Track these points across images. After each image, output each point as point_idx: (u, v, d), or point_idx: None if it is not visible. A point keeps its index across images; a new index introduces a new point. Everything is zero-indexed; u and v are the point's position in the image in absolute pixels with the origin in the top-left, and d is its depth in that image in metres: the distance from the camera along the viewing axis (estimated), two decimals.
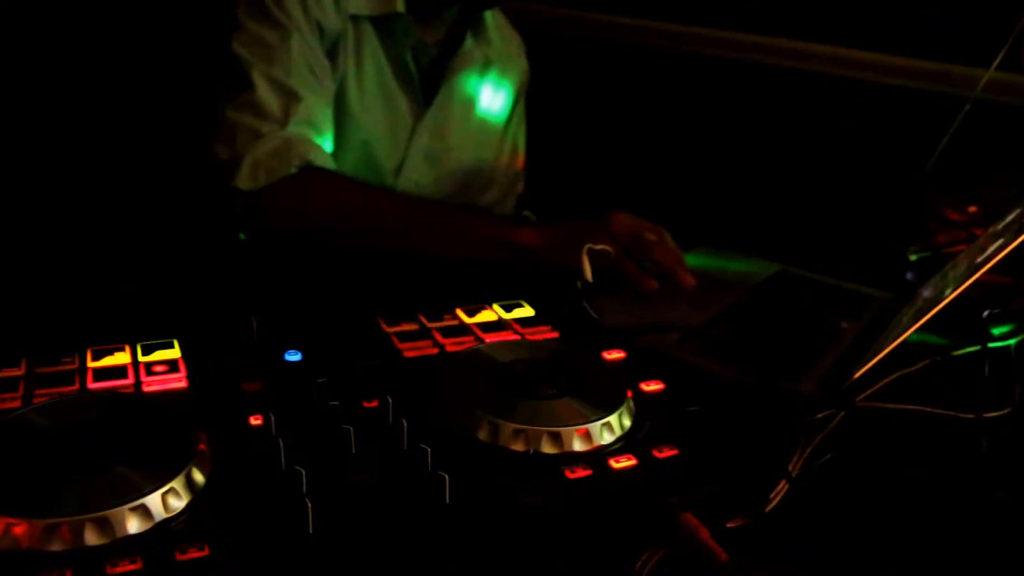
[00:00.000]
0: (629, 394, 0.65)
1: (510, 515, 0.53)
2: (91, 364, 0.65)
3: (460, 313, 0.80)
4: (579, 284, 0.85)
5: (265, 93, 1.00)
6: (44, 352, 0.65)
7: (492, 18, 1.28)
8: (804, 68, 1.56)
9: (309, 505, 0.50)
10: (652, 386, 0.69)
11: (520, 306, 0.83)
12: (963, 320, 0.83)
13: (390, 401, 0.62)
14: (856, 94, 1.47)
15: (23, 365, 0.64)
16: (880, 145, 1.40)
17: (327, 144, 1.08)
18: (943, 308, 0.80)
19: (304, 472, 0.53)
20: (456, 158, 1.29)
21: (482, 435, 0.60)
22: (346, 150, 1.16)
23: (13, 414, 0.57)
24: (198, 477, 0.53)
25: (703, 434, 0.63)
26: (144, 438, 0.55)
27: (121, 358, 0.66)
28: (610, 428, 0.61)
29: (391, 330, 0.75)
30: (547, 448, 0.59)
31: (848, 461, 0.66)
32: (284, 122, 1.00)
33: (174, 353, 0.68)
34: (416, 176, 1.24)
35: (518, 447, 0.59)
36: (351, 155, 1.17)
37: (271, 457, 0.55)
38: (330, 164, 1.04)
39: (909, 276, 1.03)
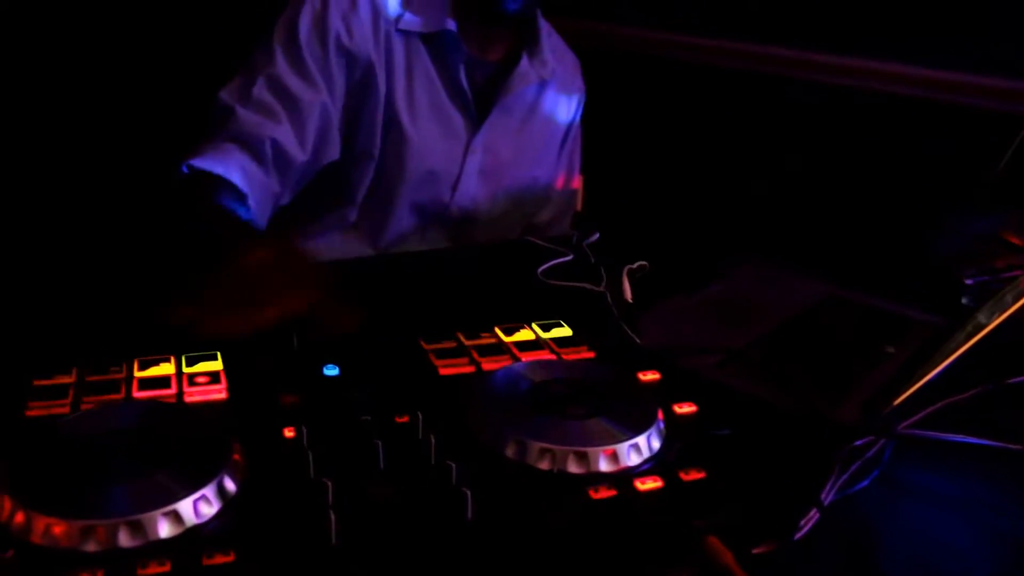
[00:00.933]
0: (660, 415, 0.65)
1: (533, 534, 0.54)
2: (137, 374, 0.68)
3: (498, 332, 0.81)
4: (612, 301, 0.86)
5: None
6: (95, 361, 0.68)
7: (547, 38, 1.30)
8: (860, 86, 1.53)
9: (333, 517, 0.51)
10: (685, 408, 0.69)
11: (559, 326, 0.83)
12: (1017, 347, 0.80)
13: (420, 417, 0.63)
14: (913, 112, 1.44)
15: (74, 373, 0.67)
16: (939, 165, 1.36)
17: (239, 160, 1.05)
18: (997, 335, 0.78)
19: (331, 484, 0.54)
20: (511, 175, 1.30)
21: (509, 453, 0.60)
22: (404, 167, 1.19)
23: (60, 420, 0.60)
24: (230, 485, 0.54)
25: (734, 458, 0.63)
26: (181, 446, 0.57)
27: (166, 368, 0.69)
28: (638, 449, 0.61)
29: (429, 347, 0.76)
30: (573, 468, 0.59)
31: (885, 490, 0.65)
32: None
33: (216, 365, 0.70)
34: (471, 192, 1.27)
35: (544, 466, 0.59)
36: (409, 172, 1.20)
37: (301, 469, 0.57)
38: (216, 169, 1.02)
39: (965, 301, 1.00)
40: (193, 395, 0.66)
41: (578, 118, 1.40)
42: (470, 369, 0.73)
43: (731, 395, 0.75)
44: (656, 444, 0.63)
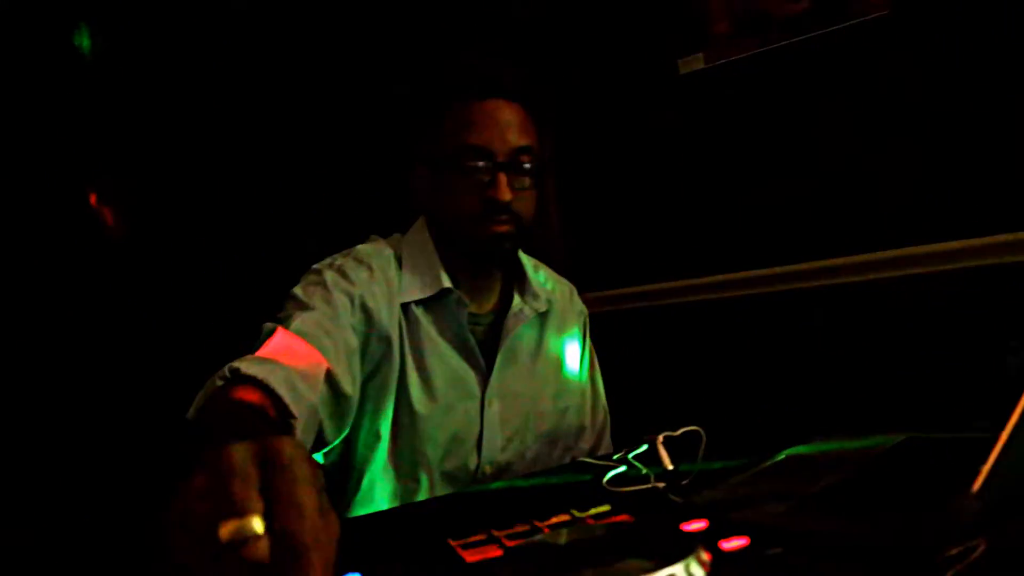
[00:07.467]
0: (703, 551, 0.57)
1: None
2: None
3: (534, 522, 0.75)
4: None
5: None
6: None
7: (535, 272, 1.29)
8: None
9: None
10: (733, 543, 0.60)
11: (597, 505, 0.77)
12: None
13: None
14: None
15: None
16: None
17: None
18: None
19: None
20: (536, 415, 1.25)
21: None
22: (424, 441, 1.14)
23: None
24: None
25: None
26: None
27: None
28: None
29: (456, 543, 0.71)
30: None
31: None
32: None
33: None
34: (499, 444, 1.20)
35: None
36: (429, 445, 1.14)
37: None
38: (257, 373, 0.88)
39: None
40: None
41: (587, 338, 1.36)
42: (498, 552, 0.67)
43: (803, 536, 0.66)
44: (699, 572, 0.55)
